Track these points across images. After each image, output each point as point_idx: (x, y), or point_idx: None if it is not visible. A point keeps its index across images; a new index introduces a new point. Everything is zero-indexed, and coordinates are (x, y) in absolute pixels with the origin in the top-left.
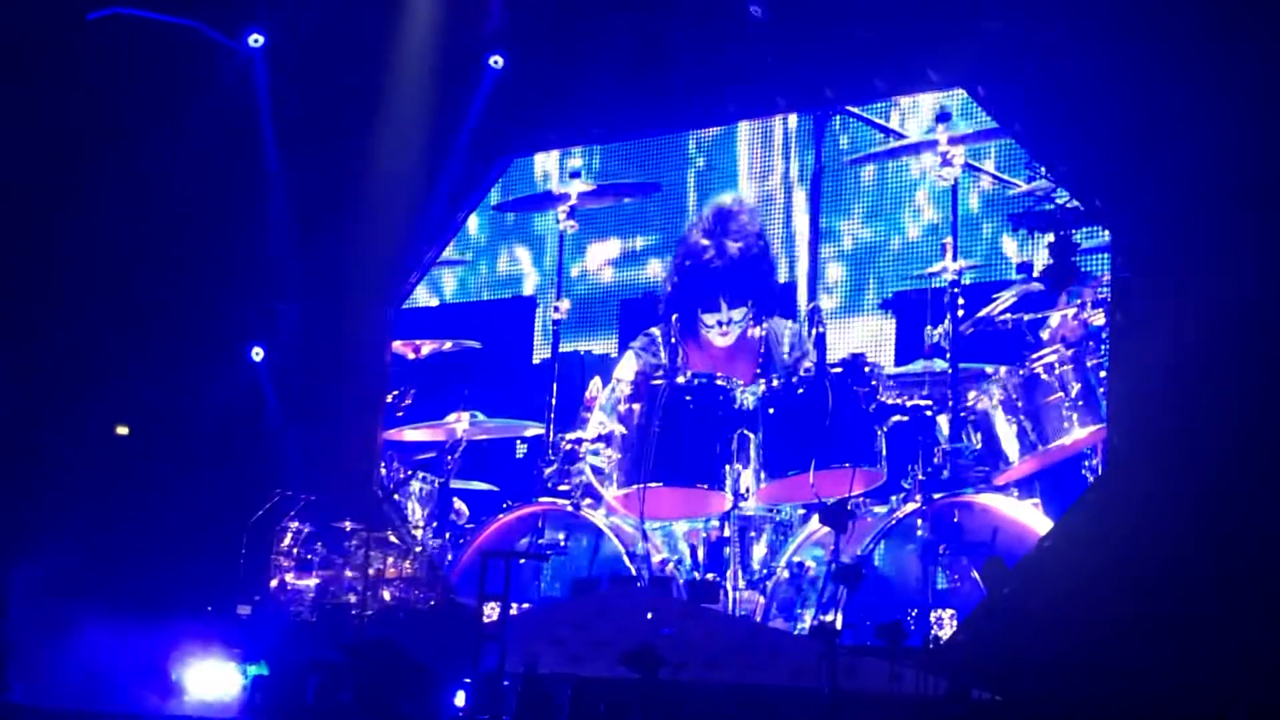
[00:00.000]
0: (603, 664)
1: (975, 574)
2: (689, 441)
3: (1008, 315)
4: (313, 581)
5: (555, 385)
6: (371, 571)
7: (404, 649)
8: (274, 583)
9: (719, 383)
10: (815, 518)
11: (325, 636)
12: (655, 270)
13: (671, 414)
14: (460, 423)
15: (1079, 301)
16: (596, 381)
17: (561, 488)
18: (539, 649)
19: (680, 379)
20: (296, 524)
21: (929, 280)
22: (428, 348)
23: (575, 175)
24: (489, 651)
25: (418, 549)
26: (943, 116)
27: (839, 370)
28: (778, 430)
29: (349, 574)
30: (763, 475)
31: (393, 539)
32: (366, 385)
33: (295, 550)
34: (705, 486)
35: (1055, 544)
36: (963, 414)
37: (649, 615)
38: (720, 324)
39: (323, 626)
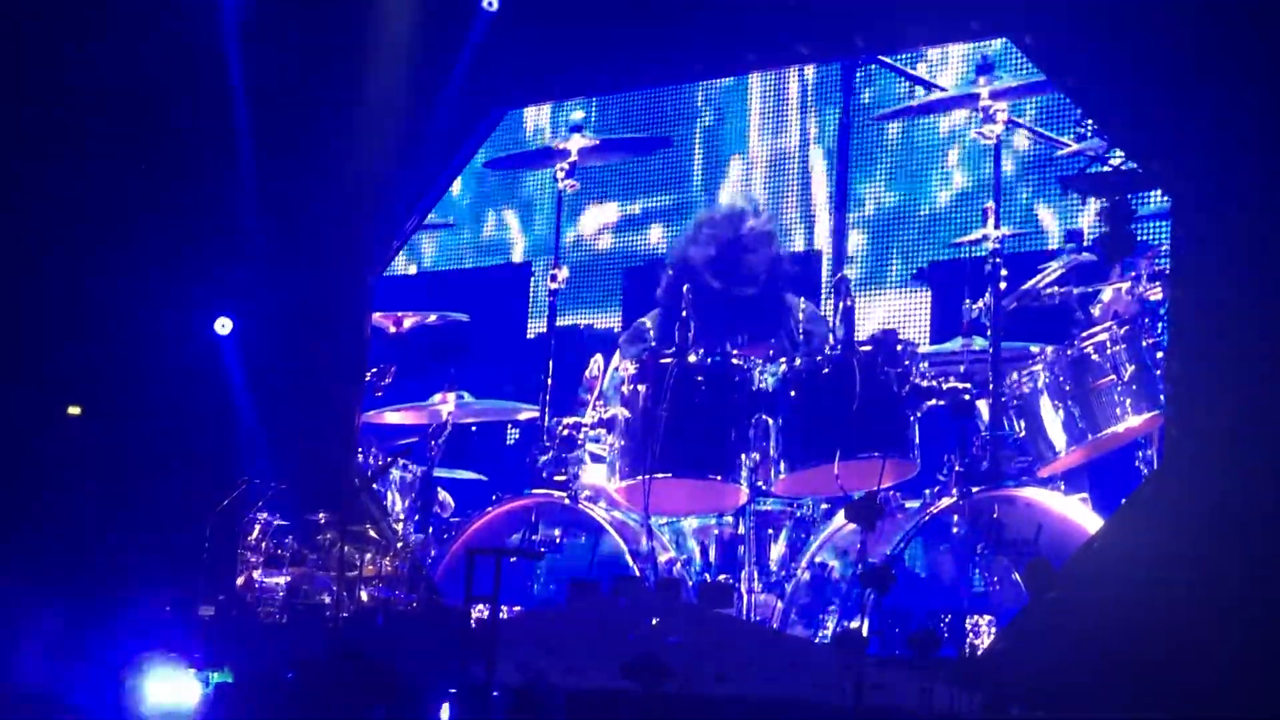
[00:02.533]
0: (602, 675)
1: (1016, 576)
2: (700, 427)
3: (1055, 289)
4: (283, 580)
5: (551, 363)
6: (348, 570)
7: (382, 657)
8: (240, 581)
9: (735, 362)
10: (840, 513)
11: (297, 641)
12: (658, 236)
13: (681, 396)
14: (445, 404)
15: (1134, 274)
16: (598, 359)
17: (558, 478)
18: (531, 658)
19: (691, 357)
20: (265, 515)
21: (967, 249)
22: (410, 320)
23: (576, 129)
24: (476, 660)
25: (399, 545)
26: (984, 67)
27: (868, 349)
28: (799, 415)
29: (323, 572)
30: (782, 465)
31: (371, 533)
32: (344, 361)
33: (263, 545)
34: (718, 478)
35: (1105, 544)
36: (1004, 398)
37: (654, 621)
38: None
39: (294, 630)
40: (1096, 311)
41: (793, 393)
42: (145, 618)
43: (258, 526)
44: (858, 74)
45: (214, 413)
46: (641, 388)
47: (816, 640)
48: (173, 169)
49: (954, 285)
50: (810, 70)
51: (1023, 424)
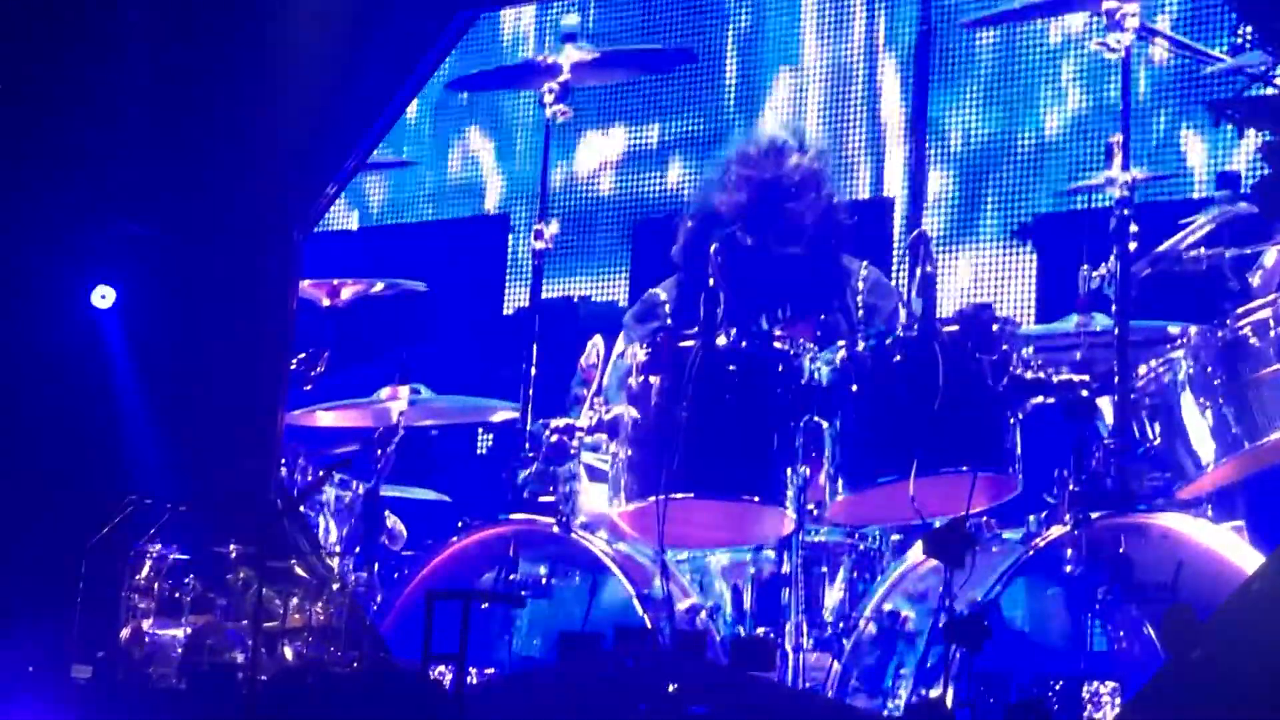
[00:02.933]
0: None
1: (1149, 630)
2: (732, 433)
3: (1201, 250)
4: (181, 632)
5: (536, 347)
6: (267, 620)
7: None
8: (125, 632)
9: (778, 346)
10: (917, 546)
11: (200, 712)
12: (677, 178)
13: (708, 392)
14: (396, 402)
15: None
16: (597, 343)
17: (544, 499)
18: None
19: (720, 339)
20: (158, 547)
21: (1086, 198)
22: (349, 290)
23: (569, 39)
24: None
25: (334, 586)
26: None
27: (954, 329)
28: (863, 417)
29: (234, 622)
30: (840, 483)
31: (299, 571)
32: (262, 344)
33: (156, 585)
34: (755, 499)
35: (1267, 587)
36: (1134, 395)
37: (671, 687)
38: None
39: (196, 697)
40: (1256, 281)
41: (854, 387)
42: (3, 680)
43: (149, 562)
44: None
45: (92, 411)
46: (655, 380)
47: (885, 714)
48: (35, 97)
49: (1068, 245)
50: None
51: (1158, 429)
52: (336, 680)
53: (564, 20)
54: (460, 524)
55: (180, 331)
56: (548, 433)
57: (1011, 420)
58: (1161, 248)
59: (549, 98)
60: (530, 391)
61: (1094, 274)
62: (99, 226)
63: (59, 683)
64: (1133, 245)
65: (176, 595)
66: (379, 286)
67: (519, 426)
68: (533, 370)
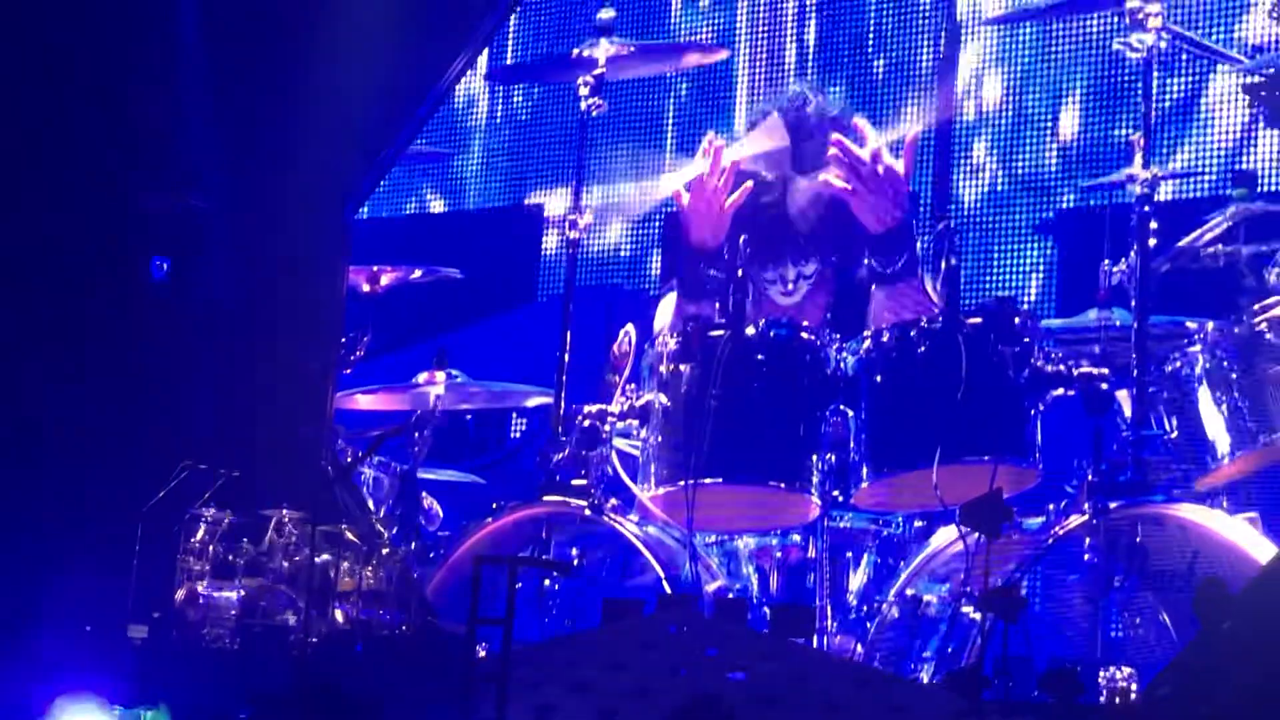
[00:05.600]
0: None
1: (1165, 617)
2: (760, 420)
3: (1219, 247)
4: (234, 594)
5: (569, 335)
6: (319, 583)
7: (362, 694)
8: (180, 594)
9: (805, 336)
10: (940, 532)
11: (252, 672)
12: None
13: (736, 380)
14: (434, 386)
15: None
16: (629, 330)
17: (576, 482)
18: (554, 697)
19: (750, 330)
20: (213, 512)
21: (1107, 194)
22: (388, 277)
23: (604, 31)
24: (483, 699)
25: (384, 551)
26: None
27: (977, 321)
28: (888, 406)
29: (286, 585)
30: (865, 471)
31: (349, 536)
32: (315, 316)
33: (211, 549)
34: (782, 486)
35: None
36: (1153, 389)
37: (712, 653)
38: (784, 278)
39: (249, 657)
40: (1272, 278)
41: (878, 377)
42: (59, 642)
43: (203, 526)
44: None
45: (148, 380)
46: (685, 368)
47: (925, 683)
48: (98, 84)
49: (1089, 240)
50: None
51: (1175, 422)
52: (385, 642)
53: (600, 14)
54: (495, 505)
55: (235, 302)
56: (580, 418)
57: (1032, 411)
58: (1181, 244)
59: (584, 90)
60: (564, 378)
61: (1114, 269)
62: (162, 202)
63: (115, 643)
64: (1152, 242)
65: (230, 559)
66: (417, 274)
67: (552, 411)
68: (566, 357)
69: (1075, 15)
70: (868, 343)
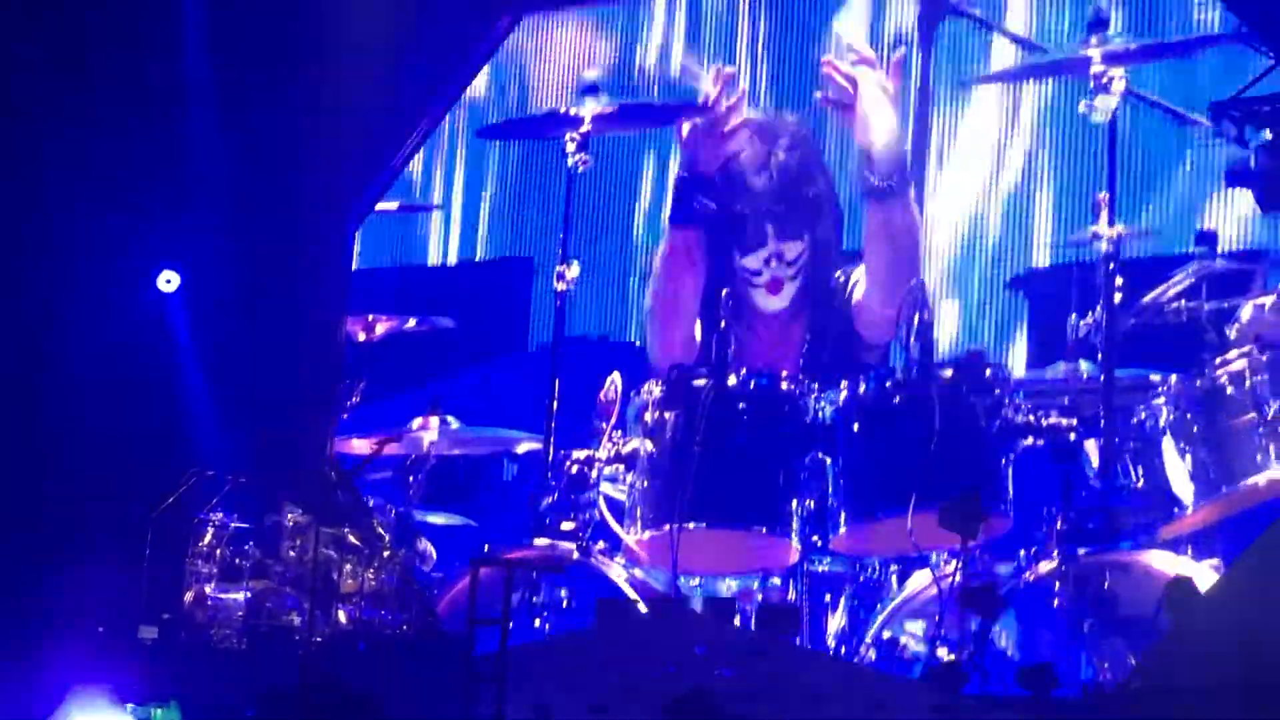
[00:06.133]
0: (637, 714)
1: (1133, 660)
2: (742, 467)
3: (1182, 302)
4: (241, 596)
5: (557, 382)
6: (323, 584)
7: (364, 691)
8: (188, 596)
9: (785, 386)
10: (915, 576)
11: (258, 670)
12: None
13: (719, 428)
14: (428, 432)
15: (1278, 287)
16: (615, 378)
17: (565, 526)
18: (550, 694)
19: (731, 379)
20: (220, 516)
21: (1074, 251)
22: (383, 326)
23: (590, 91)
24: (482, 696)
25: (385, 554)
26: (1097, 23)
27: (949, 374)
28: (864, 455)
29: (291, 586)
30: (842, 516)
31: (352, 539)
32: (318, 323)
33: (218, 552)
34: (763, 530)
35: (1260, 561)
36: (1119, 439)
37: (700, 651)
38: (769, 264)
39: (255, 657)
40: (1233, 334)
41: (855, 426)
42: (72, 642)
43: (210, 530)
44: (940, 26)
45: (156, 387)
46: (669, 416)
47: (906, 677)
48: (105, 93)
49: (1057, 295)
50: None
51: (1141, 471)
52: (387, 641)
53: (585, 74)
54: (486, 548)
55: (240, 312)
56: (569, 463)
57: (1003, 461)
58: (1145, 300)
59: (571, 146)
60: (553, 424)
61: (1081, 324)
62: (169, 216)
63: (127, 644)
64: (1118, 297)
65: (237, 561)
66: (411, 323)
67: (542, 457)
68: (554, 404)
69: (1042, 79)
70: (844, 393)
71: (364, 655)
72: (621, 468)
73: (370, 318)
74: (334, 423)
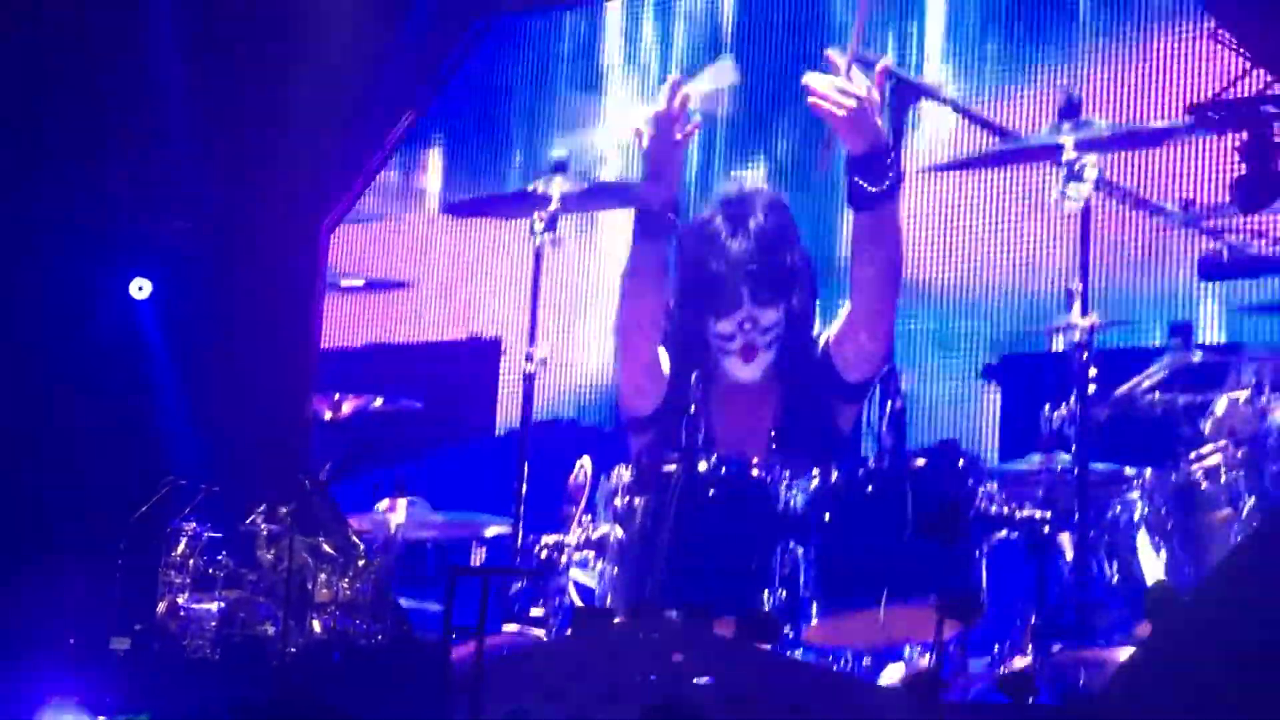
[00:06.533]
0: None
1: None
2: (713, 555)
3: (1156, 395)
4: (214, 606)
5: (526, 466)
6: (297, 594)
7: (339, 701)
8: (161, 607)
9: (755, 474)
10: (887, 669)
11: (232, 681)
12: None
13: (689, 515)
14: (395, 514)
15: (1255, 383)
16: (584, 463)
17: (534, 612)
18: (527, 702)
19: (702, 464)
20: (193, 525)
21: (1048, 341)
22: (349, 405)
23: (559, 169)
24: (457, 705)
25: (360, 563)
26: (1069, 110)
27: (922, 464)
28: (836, 545)
29: (264, 596)
30: (814, 608)
31: (326, 548)
32: (290, 331)
33: (191, 562)
34: (734, 620)
35: (1243, 562)
36: (1093, 533)
37: (678, 657)
38: (744, 328)
39: (228, 667)
40: (1207, 428)
41: (827, 516)
42: (43, 654)
43: (184, 539)
44: (910, 112)
45: (129, 396)
46: (639, 502)
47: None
48: (75, 103)
49: (1031, 385)
50: None
51: (1116, 566)
52: (362, 651)
53: (553, 152)
54: (452, 636)
55: (213, 320)
56: (538, 548)
57: (977, 553)
58: (1119, 392)
59: (539, 225)
60: (521, 509)
61: (1055, 414)
62: (141, 222)
63: (99, 654)
64: (1092, 388)
65: (210, 571)
66: (378, 403)
67: (511, 541)
68: (523, 488)
69: (1014, 165)
70: (816, 482)
71: (339, 665)
72: (591, 554)
73: (336, 396)
74: (307, 430)
